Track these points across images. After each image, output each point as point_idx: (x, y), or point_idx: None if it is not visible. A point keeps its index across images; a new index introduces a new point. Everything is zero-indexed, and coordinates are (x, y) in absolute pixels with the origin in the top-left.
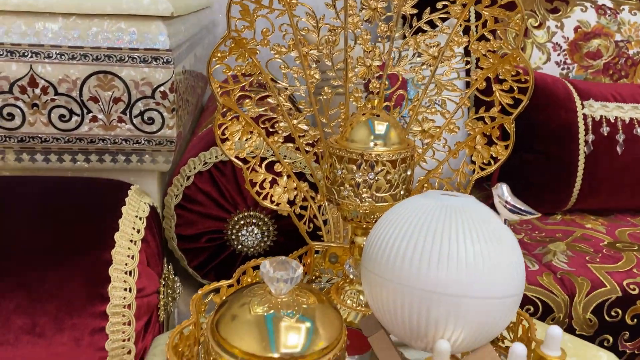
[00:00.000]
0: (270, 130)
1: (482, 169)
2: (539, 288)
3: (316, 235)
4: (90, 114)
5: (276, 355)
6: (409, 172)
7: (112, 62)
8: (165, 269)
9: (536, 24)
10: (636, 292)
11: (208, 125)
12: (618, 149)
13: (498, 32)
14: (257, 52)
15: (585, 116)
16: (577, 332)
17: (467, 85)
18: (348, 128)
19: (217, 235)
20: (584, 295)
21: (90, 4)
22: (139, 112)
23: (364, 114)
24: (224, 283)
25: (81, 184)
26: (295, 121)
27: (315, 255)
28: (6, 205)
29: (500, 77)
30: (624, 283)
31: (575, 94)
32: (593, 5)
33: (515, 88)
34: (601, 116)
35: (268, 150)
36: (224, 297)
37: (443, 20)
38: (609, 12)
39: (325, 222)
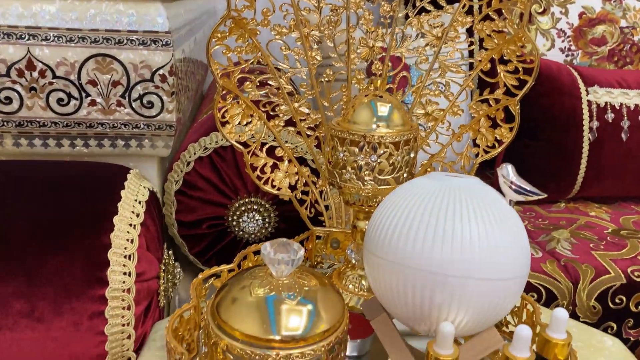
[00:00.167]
0: (271, 113)
1: (486, 152)
2: (542, 275)
3: (318, 221)
4: (89, 98)
5: (277, 338)
6: (412, 155)
7: (111, 45)
8: (165, 254)
9: (540, 10)
10: None
11: (208, 112)
12: (623, 135)
13: (503, 12)
14: (258, 32)
15: (589, 103)
16: (580, 320)
17: (472, 67)
18: (350, 110)
19: (218, 221)
20: (587, 282)
21: None
22: (138, 96)
23: (366, 95)
24: (224, 267)
25: (80, 167)
26: (296, 104)
27: (316, 240)
28: (4, 189)
29: (505, 57)
30: (629, 270)
31: (579, 81)
32: None
33: (521, 69)
34: (606, 102)
35: (269, 135)
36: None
37: (447, 0)
38: None
39: (327, 207)
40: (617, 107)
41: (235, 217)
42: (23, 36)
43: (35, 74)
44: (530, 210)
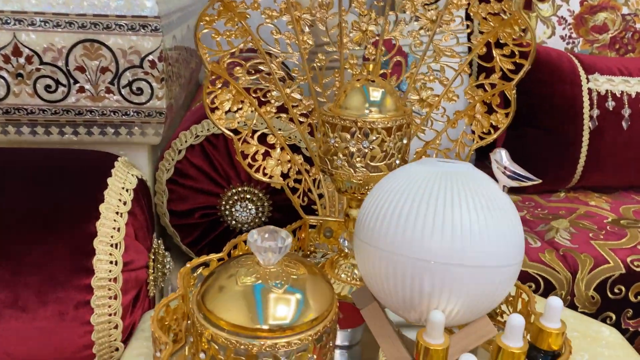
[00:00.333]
0: (263, 100)
1: (482, 139)
2: (540, 265)
3: (311, 210)
4: (77, 85)
5: (264, 327)
6: (404, 141)
7: (99, 30)
8: (155, 243)
9: None
10: None
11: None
12: (624, 124)
13: None
14: (247, 16)
15: (590, 90)
16: (579, 310)
17: (469, 51)
18: (342, 95)
19: (211, 210)
20: (586, 272)
21: None
22: (127, 82)
23: (358, 80)
24: (213, 257)
25: (67, 155)
26: (288, 90)
27: (310, 229)
28: None
29: (501, 41)
30: (628, 260)
31: (580, 68)
32: None
33: (517, 52)
34: (607, 90)
35: (262, 123)
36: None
37: None
38: None
39: (320, 196)
40: (618, 95)
41: (228, 207)
42: (8, 21)
43: (22, 60)
44: (530, 199)
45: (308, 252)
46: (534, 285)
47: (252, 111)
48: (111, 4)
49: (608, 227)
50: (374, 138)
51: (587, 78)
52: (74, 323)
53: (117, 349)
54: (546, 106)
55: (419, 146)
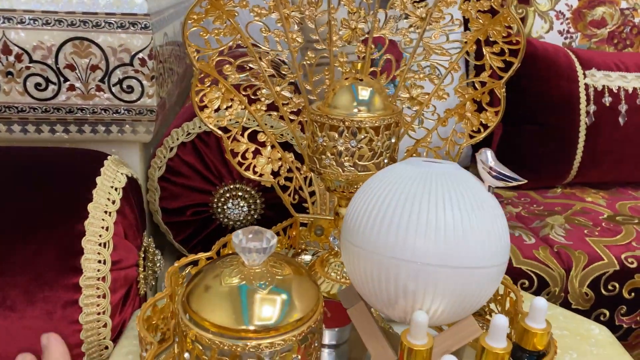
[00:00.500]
0: (252, 97)
1: (472, 137)
2: (534, 262)
3: (303, 208)
4: (67, 83)
5: (250, 328)
6: (393, 140)
7: (88, 28)
8: (145, 241)
9: None
10: (634, 265)
11: None
12: (620, 119)
13: None
14: (236, 13)
15: (587, 86)
16: (573, 307)
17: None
18: (330, 94)
19: (203, 208)
20: (580, 269)
21: None
22: (118, 81)
23: (347, 79)
24: (202, 255)
25: (56, 154)
26: (278, 88)
27: (301, 227)
28: None
29: (490, 39)
30: (622, 256)
31: (577, 63)
32: None
33: (506, 50)
34: (603, 86)
35: (253, 121)
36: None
37: None
38: None
39: (311, 194)
40: (615, 91)
41: (220, 204)
42: None
43: (12, 58)
44: (526, 195)
45: (299, 250)
46: (527, 283)
47: (242, 109)
48: (100, 1)
49: (603, 224)
50: (362, 137)
51: (584, 73)
52: (63, 322)
53: (106, 347)
54: (543, 102)
55: (410, 144)
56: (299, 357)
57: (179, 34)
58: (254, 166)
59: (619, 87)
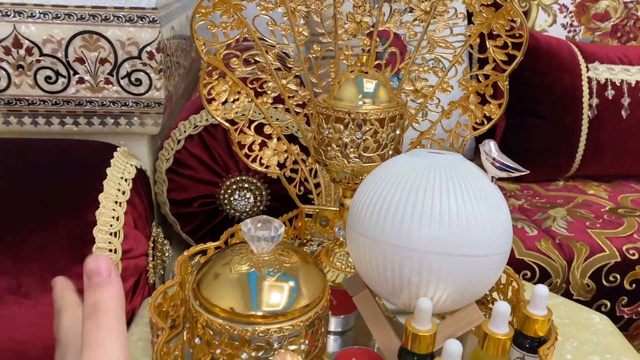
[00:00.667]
0: (259, 90)
1: (475, 129)
2: (536, 253)
3: (308, 199)
4: (77, 76)
5: (258, 314)
6: (397, 132)
7: (97, 22)
8: (154, 232)
9: None
10: (636, 257)
11: None
12: (623, 113)
13: None
14: (243, 7)
15: (589, 79)
16: (574, 297)
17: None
18: (336, 86)
19: (210, 199)
20: (582, 260)
21: None
22: (126, 74)
23: (352, 72)
24: (211, 245)
25: (67, 145)
26: (284, 81)
27: (306, 218)
28: None
29: (494, 32)
30: (624, 248)
31: (580, 57)
32: None
33: (510, 44)
34: (606, 79)
35: (259, 114)
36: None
37: None
38: None
39: (317, 185)
40: (618, 84)
41: (226, 196)
42: (9, 13)
43: (22, 52)
44: (528, 188)
45: (304, 241)
46: (529, 274)
47: (248, 102)
48: None
49: (605, 216)
50: (367, 129)
51: (587, 67)
52: None
53: None
54: (546, 95)
55: (414, 136)
56: (307, 342)
57: (185, 27)
58: (261, 158)
59: (622, 80)
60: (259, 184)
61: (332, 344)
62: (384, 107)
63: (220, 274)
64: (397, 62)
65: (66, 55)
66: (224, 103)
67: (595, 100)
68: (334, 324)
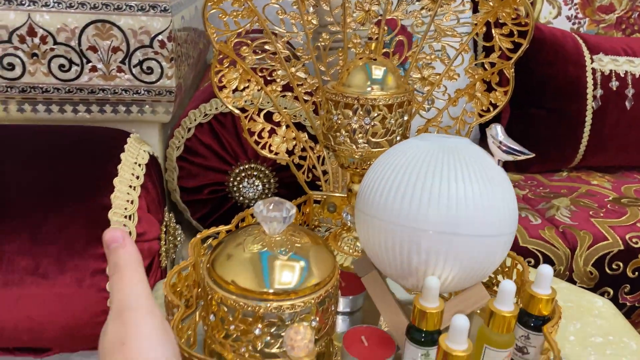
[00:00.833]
0: (269, 78)
1: (481, 116)
2: (540, 241)
3: (315, 185)
4: (90, 64)
5: (271, 291)
6: (405, 118)
7: (110, 11)
8: (166, 217)
9: None
10: (639, 245)
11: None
12: (627, 104)
13: None
14: None
15: (594, 70)
16: (577, 285)
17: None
18: (345, 73)
19: (219, 187)
20: (585, 248)
21: None
22: (138, 62)
23: (361, 59)
24: (222, 228)
25: (81, 132)
26: (293, 69)
27: (314, 204)
28: (8, 151)
29: (500, 21)
30: (627, 237)
31: (584, 48)
32: None
33: (515, 32)
34: (611, 70)
35: (268, 102)
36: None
37: None
38: None
39: (325, 172)
40: (622, 75)
41: (235, 183)
42: (24, 2)
43: (37, 40)
44: (532, 178)
45: (312, 227)
46: (533, 261)
47: (258, 90)
48: None
49: (609, 206)
50: (376, 115)
51: (592, 58)
52: (91, 290)
53: None
54: (550, 86)
55: (421, 124)
56: (317, 319)
57: (194, 18)
58: (270, 145)
59: (626, 72)
60: (267, 171)
61: (341, 324)
62: (392, 93)
63: (233, 254)
64: (405, 50)
65: (79, 44)
66: (234, 91)
67: (599, 92)
68: (342, 304)
